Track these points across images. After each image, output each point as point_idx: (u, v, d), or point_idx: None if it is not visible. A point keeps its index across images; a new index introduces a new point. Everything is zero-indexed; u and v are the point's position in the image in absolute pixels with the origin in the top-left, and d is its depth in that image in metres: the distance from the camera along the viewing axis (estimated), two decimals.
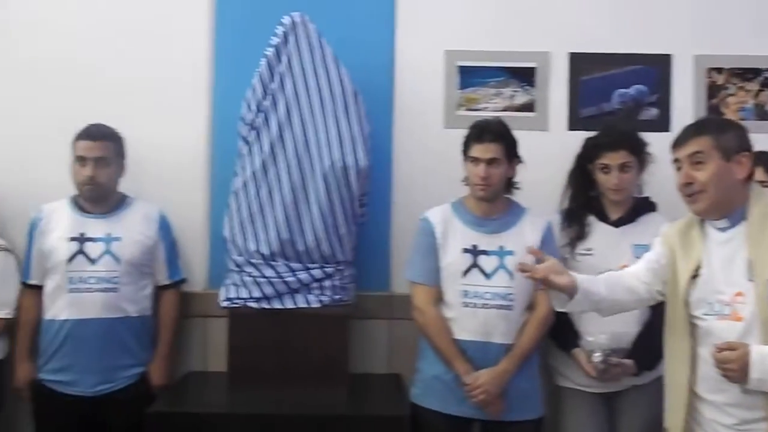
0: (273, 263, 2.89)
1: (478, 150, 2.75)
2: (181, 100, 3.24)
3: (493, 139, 2.74)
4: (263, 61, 2.94)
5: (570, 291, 2.20)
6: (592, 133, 2.96)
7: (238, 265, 2.92)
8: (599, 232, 2.89)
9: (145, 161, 3.15)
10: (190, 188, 3.23)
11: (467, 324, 2.74)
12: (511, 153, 2.79)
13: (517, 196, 2.88)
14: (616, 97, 3.28)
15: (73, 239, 2.93)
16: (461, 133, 2.85)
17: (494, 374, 2.68)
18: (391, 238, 3.24)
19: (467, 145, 2.80)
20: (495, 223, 2.79)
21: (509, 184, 2.83)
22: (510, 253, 2.75)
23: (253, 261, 2.89)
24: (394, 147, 3.25)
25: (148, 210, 3.07)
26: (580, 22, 3.28)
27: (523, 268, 2.20)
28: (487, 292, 2.73)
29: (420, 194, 3.17)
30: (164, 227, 3.08)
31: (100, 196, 2.97)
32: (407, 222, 3.13)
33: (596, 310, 2.36)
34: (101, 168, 2.92)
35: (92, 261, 2.91)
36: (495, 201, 2.80)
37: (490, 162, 2.74)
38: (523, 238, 2.76)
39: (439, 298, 2.79)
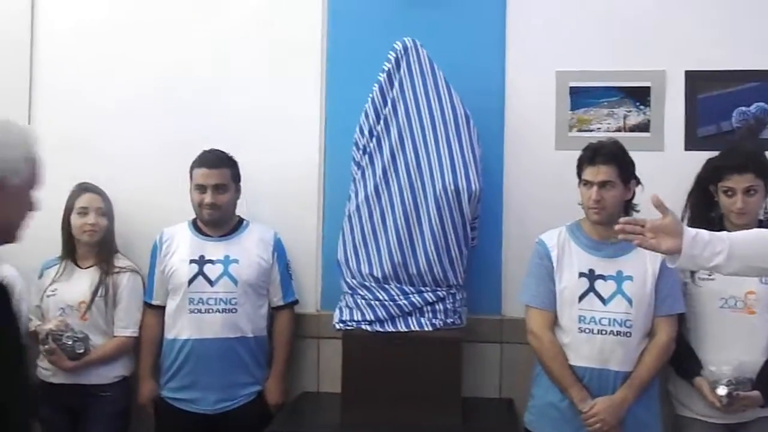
0: (386, 286, 2.91)
1: (590, 173, 2.71)
2: (295, 125, 3.32)
3: (606, 161, 2.69)
4: (375, 86, 2.98)
5: (678, 251, 2.08)
6: (713, 153, 2.86)
7: (351, 288, 2.95)
8: None
9: (260, 185, 3.24)
10: (303, 212, 3.30)
11: (583, 350, 2.69)
12: (626, 175, 2.72)
13: None
14: (737, 115, 3.17)
15: (193, 261, 3.04)
16: (573, 155, 2.82)
17: (611, 403, 2.62)
18: (502, 261, 3.22)
19: (580, 167, 2.76)
20: (613, 247, 2.73)
21: (627, 206, 2.77)
22: (629, 278, 2.69)
23: (366, 284, 2.92)
24: (505, 169, 3.23)
25: (264, 233, 3.15)
26: (696, 39, 3.18)
27: (622, 229, 2.12)
28: (603, 318, 2.67)
29: (531, 217, 3.14)
30: (279, 249, 3.15)
31: (219, 220, 3.07)
32: (519, 245, 3.11)
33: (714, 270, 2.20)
34: (220, 194, 3.03)
35: (211, 282, 3.01)
36: (612, 224, 2.73)
37: (603, 185, 2.69)
38: (642, 262, 2.69)
39: (554, 323, 2.75)
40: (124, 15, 3.42)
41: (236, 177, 3.11)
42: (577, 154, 2.80)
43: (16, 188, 1.73)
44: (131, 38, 3.42)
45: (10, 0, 3.46)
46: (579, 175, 2.77)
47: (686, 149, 3.17)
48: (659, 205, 2.12)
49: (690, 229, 2.10)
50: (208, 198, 3.01)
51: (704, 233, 2.09)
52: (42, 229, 3.10)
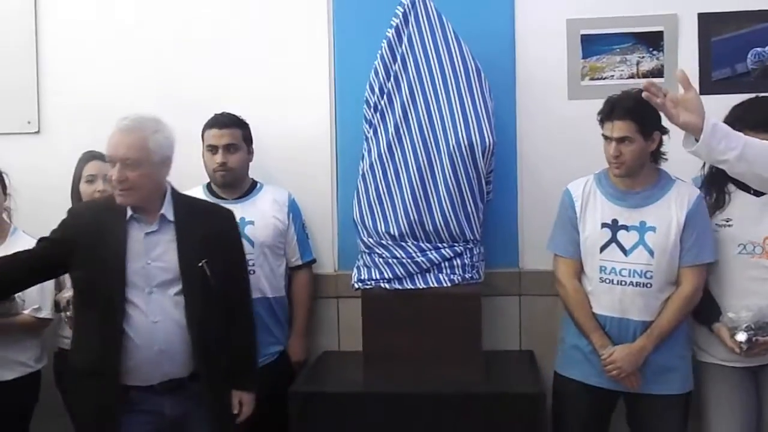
0: (403, 243, 2.91)
1: (608, 128, 2.67)
2: (305, 86, 3.29)
3: (622, 117, 2.64)
4: (384, 43, 2.94)
5: (695, 132, 2.11)
6: (728, 97, 2.82)
7: (368, 247, 2.95)
8: (740, 201, 2.75)
9: (273, 148, 3.24)
10: (316, 172, 3.29)
11: (604, 300, 2.71)
12: (645, 128, 2.65)
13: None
14: (752, 56, 3.12)
15: None
16: (586, 104, 2.82)
17: (629, 351, 2.64)
18: (518, 213, 3.21)
19: (600, 122, 2.72)
20: (638, 197, 2.71)
21: (655, 156, 2.73)
22: (652, 228, 2.67)
23: (383, 242, 2.92)
24: (518, 121, 3.20)
25: (278, 194, 3.15)
26: None
27: (647, 87, 2.14)
28: (624, 269, 2.67)
29: (546, 168, 3.14)
30: (294, 210, 3.16)
31: (232, 181, 3.07)
32: (534, 197, 3.12)
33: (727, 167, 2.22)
34: (231, 154, 3.04)
35: None
36: (638, 174, 2.71)
37: (621, 140, 2.65)
38: (667, 213, 2.67)
39: (580, 271, 2.77)
40: None
41: (247, 139, 3.11)
42: (591, 102, 2.78)
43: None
44: (138, 3, 3.38)
45: None
46: (601, 128, 2.74)
47: (701, 93, 3.10)
48: (683, 80, 2.16)
49: (711, 117, 2.13)
50: (218, 158, 3.01)
51: (723, 125, 2.16)
52: (53, 198, 3.20)
